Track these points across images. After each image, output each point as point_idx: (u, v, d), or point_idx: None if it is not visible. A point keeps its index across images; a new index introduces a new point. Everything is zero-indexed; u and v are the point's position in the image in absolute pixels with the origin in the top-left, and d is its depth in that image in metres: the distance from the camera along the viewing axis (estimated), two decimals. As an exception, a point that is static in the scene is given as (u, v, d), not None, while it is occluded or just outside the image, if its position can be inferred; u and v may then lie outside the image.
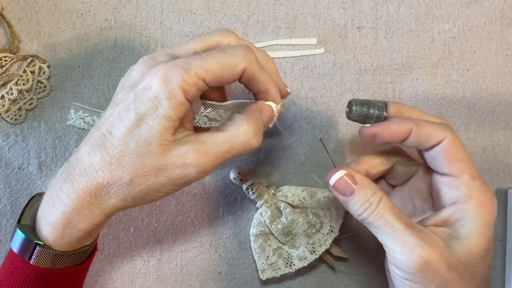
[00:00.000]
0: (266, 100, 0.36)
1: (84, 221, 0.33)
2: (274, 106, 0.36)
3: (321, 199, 0.44)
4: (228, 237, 0.47)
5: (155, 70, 0.32)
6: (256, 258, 0.45)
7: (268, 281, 0.47)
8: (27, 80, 0.45)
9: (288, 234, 0.45)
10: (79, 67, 0.46)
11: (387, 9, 0.47)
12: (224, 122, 0.35)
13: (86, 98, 0.46)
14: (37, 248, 0.34)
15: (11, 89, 0.44)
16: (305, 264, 0.45)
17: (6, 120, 0.45)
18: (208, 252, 0.47)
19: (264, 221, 0.45)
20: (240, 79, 0.34)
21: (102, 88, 0.46)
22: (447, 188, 0.36)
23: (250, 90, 0.36)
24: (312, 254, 0.45)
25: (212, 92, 0.38)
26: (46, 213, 0.34)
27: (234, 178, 0.45)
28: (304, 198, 0.44)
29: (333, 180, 0.36)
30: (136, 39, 0.46)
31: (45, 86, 0.45)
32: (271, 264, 0.45)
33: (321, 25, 0.47)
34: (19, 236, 0.35)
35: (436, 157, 0.36)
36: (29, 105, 0.45)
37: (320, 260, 0.46)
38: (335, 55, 0.47)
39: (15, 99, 0.45)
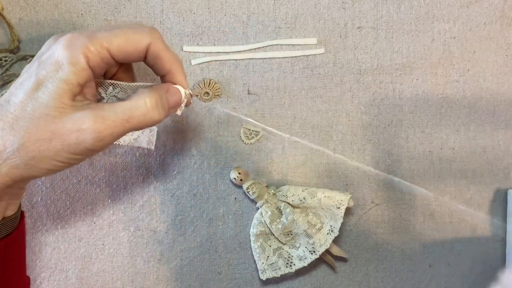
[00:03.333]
0: (174, 84, 0.36)
1: None
2: (182, 91, 0.36)
3: (321, 198, 0.44)
4: (228, 237, 0.47)
5: (61, 39, 0.32)
6: (256, 258, 0.45)
7: (268, 281, 0.47)
8: (27, 80, 0.45)
9: (288, 234, 0.45)
10: (79, 67, 0.46)
11: (387, 9, 0.47)
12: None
13: (86, 98, 0.46)
14: None
15: (11, 89, 0.44)
16: (305, 264, 0.45)
17: (6, 120, 0.45)
18: (208, 252, 0.47)
19: (264, 221, 0.45)
20: (146, 59, 0.34)
21: (102, 88, 0.46)
22: None
23: (157, 73, 0.36)
24: (312, 254, 0.45)
25: (121, 73, 0.38)
26: None
27: (234, 178, 0.45)
28: (304, 198, 0.44)
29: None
30: (136, 39, 0.46)
31: (45, 86, 0.45)
32: (271, 264, 0.45)
33: (321, 25, 0.47)
34: None
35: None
36: (29, 105, 0.45)
37: (320, 260, 0.46)
38: (335, 55, 0.47)
39: (15, 99, 0.45)
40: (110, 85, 0.36)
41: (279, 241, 0.45)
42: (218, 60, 0.46)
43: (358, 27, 0.47)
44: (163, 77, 0.36)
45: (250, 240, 0.46)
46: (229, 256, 0.47)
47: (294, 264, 0.45)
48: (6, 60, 0.44)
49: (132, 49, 0.33)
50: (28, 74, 0.32)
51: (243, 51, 0.47)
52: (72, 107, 0.31)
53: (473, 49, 0.48)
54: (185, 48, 0.46)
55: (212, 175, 0.47)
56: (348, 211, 0.47)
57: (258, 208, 0.46)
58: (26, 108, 0.31)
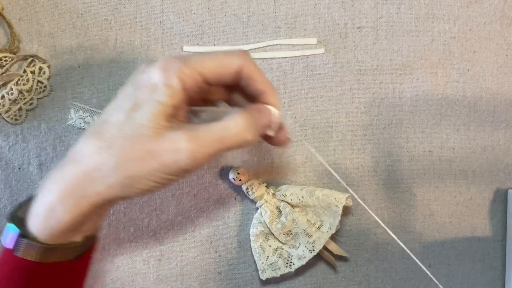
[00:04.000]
0: (265, 103, 0.35)
1: (68, 211, 0.32)
2: (274, 111, 0.35)
3: (320, 197, 0.44)
4: (228, 237, 0.47)
5: (155, 64, 0.33)
6: (256, 258, 0.46)
7: (268, 281, 0.47)
8: (27, 80, 0.45)
9: (288, 234, 0.45)
10: (79, 67, 0.46)
11: (387, 9, 0.47)
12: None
13: (86, 98, 0.46)
14: (22, 239, 0.33)
15: (11, 89, 0.44)
16: (304, 263, 0.45)
17: (6, 120, 0.45)
18: (208, 252, 0.47)
19: (264, 221, 0.45)
20: (238, 81, 0.34)
21: (102, 88, 0.46)
22: None
23: (249, 94, 0.36)
24: (311, 252, 0.45)
25: (212, 95, 0.38)
26: (36, 203, 0.34)
27: (233, 178, 0.45)
28: (303, 197, 0.44)
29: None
30: (136, 39, 0.46)
31: (45, 86, 0.45)
32: (271, 264, 0.45)
33: (321, 25, 0.47)
34: (7, 227, 0.34)
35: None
36: (29, 105, 0.45)
37: (321, 259, 0.46)
38: (335, 55, 0.47)
39: (15, 99, 0.45)
40: (201, 111, 0.36)
41: (279, 241, 0.45)
42: (218, 60, 0.46)
43: (358, 27, 0.47)
44: (255, 98, 0.36)
45: (250, 240, 0.46)
46: (229, 256, 0.47)
47: (293, 264, 0.45)
48: (6, 60, 0.44)
49: (224, 71, 0.33)
50: (125, 97, 0.33)
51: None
52: (167, 127, 0.32)
53: (473, 49, 0.48)
54: (185, 48, 0.46)
55: (212, 175, 0.47)
56: (348, 211, 0.47)
57: (257, 208, 0.46)
58: (124, 128, 0.32)
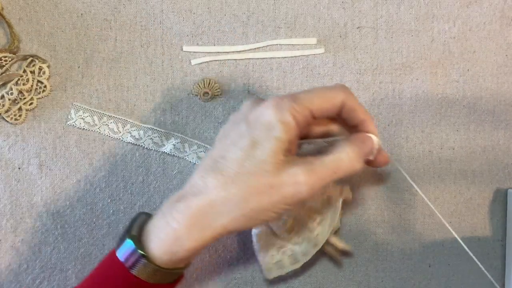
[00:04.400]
0: (366, 132, 0.38)
1: (192, 240, 0.35)
2: (374, 138, 0.38)
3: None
4: (228, 237, 0.47)
5: (266, 103, 0.35)
6: (260, 259, 0.45)
7: (268, 281, 0.47)
8: (27, 80, 0.45)
9: (290, 231, 0.45)
10: (79, 67, 0.46)
11: (387, 9, 0.47)
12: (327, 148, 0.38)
13: (86, 98, 0.46)
14: (142, 260, 0.35)
15: (11, 89, 0.44)
16: (308, 258, 0.45)
17: (6, 120, 0.45)
18: (208, 252, 0.47)
19: None
20: (341, 113, 0.37)
21: (102, 88, 0.46)
22: None
23: (349, 124, 0.39)
24: (314, 247, 0.44)
25: (315, 126, 0.40)
26: (157, 228, 0.36)
27: None
28: None
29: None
30: (136, 39, 0.46)
31: (45, 86, 0.45)
32: (276, 262, 0.45)
33: (321, 25, 0.47)
34: (128, 245, 0.36)
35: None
36: (29, 105, 0.45)
37: (322, 257, 0.46)
38: (335, 55, 0.47)
39: (15, 99, 0.45)
40: (307, 143, 0.40)
41: (282, 239, 0.45)
42: (218, 60, 0.46)
43: (358, 27, 0.47)
44: (355, 127, 0.39)
45: (250, 240, 0.46)
46: (229, 256, 0.47)
47: (298, 260, 0.45)
48: (6, 60, 0.44)
49: (329, 106, 0.36)
50: (240, 134, 0.35)
51: (243, 51, 0.47)
52: (285, 162, 0.34)
53: (473, 49, 0.48)
54: (185, 48, 0.46)
55: (212, 175, 0.47)
56: (348, 209, 0.47)
57: None
58: (245, 164, 0.34)
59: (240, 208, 0.34)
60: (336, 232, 0.46)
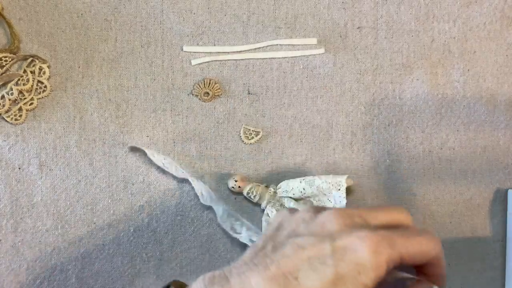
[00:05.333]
0: (433, 281, 0.35)
1: None
2: None
3: (320, 185, 0.44)
4: (228, 237, 0.47)
5: (362, 234, 0.31)
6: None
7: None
8: (27, 80, 0.45)
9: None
10: (79, 67, 0.46)
11: (387, 9, 0.47)
12: None
13: (86, 98, 0.46)
14: None
15: (11, 89, 0.44)
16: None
17: (6, 120, 0.45)
18: (208, 252, 0.47)
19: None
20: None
21: (102, 88, 0.46)
22: None
23: (422, 271, 0.35)
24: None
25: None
26: None
27: (233, 187, 0.45)
28: (304, 189, 0.44)
29: None
30: (136, 39, 0.46)
31: (45, 86, 0.45)
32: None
33: (321, 25, 0.47)
34: None
35: None
36: (29, 105, 0.45)
37: None
38: (335, 55, 0.47)
39: (15, 99, 0.45)
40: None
41: None
42: (218, 60, 0.46)
43: (358, 27, 0.47)
44: (421, 268, 0.35)
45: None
46: (229, 256, 0.47)
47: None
48: (6, 60, 0.44)
49: (422, 258, 0.33)
50: (320, 257, 0.31)
51: (243, 51, 0.47)
52: None
53: (473, 49, 0.48)
54: (185, 48, 0.46)
55: (212, 175, 0.47)
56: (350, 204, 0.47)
57: (263, 210, 0.46)
58: None
59: None
60: None
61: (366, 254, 0.30)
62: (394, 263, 0.31)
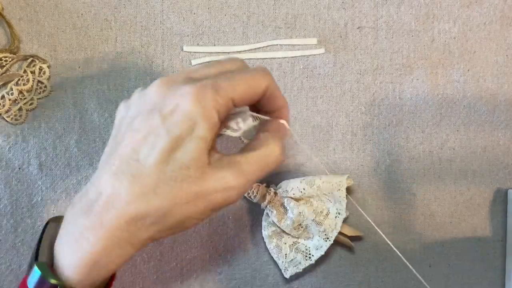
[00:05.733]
0: (281, 118, 0.36)
1: (115, 261, 0.31)
2: (286, 124, 0.36)
3: (320, 185, 0.44)
4: (228, 237, 0.47)
5: (183, 91, 0.30)
6: (275, 258, 0.46)
7: (268, 281, 0.47)
8: (28, 80, 0.45)
9: (298, 228, 0.45)
10: (79, 67, 0.46)
11: (387, 9, 0.47)
12: (247, 137, 0.36)
13: (86, 98, 0.46)
14: None
15: (11, 89, 0.44)
16: (323, 253, 0.45)
17: (6, 120, 0.45)
18: (208, 252, 0.47)
19: (273, 220, 0.45)
20: (261, 98, 0.34)
21: (102, 88, 0.46)
22: None
23: (266, 109, 0.36)
24: (326, 241, 0.45)
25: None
26: (68, 252, 0.31)
27: None
28: (304, 189, 0.45)
29: None
30: (136, 39, 0.46)
31: (45, 86, 0.45)
32: (291, 260, 0.45)
33: (321, 25, 0.47)
34: (37, 274, 0.31)
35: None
36: (29, 105, 0.45)
37: (338, 243, 0.46)
38: (335, 55, 0.47)
39: (15, 99, 0.45)
40: (250, 116, 0.35)
41: (293, 236, 0.45)
42: (218, 60, 0.46)
43: (358, 27, 0.47)
44: (271, 113, 0.36)
45: (249, 241, 0.46)
46: (229, 256, 0.47)
47: (312, 255, 0.45)
48: (6, 60, 0.44)
49: (253, 94, 0.33)
50: (154, 130, 0.30)
51: (243, 51, 0.47)
52: (210, 165, 0.31)
53: (473, 49, 0.48)
54: (185, 48, 0.46)
55: (212, 175, 0.47)
56: (350, 203, 0.47)
57: (263, 210, 0.46)
58: (166, 170, 0.30)
59: (166, 221, 0.30)
60: (345, 220, 0.46)
61: (191, 106, 0.30)
62: (227, 107, 0.31)
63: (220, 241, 0.47)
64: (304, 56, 0.47)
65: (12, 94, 0.44)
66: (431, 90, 0.48)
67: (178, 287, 0.47)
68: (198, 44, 0.46)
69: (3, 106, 0.44)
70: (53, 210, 0.46)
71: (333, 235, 0.45)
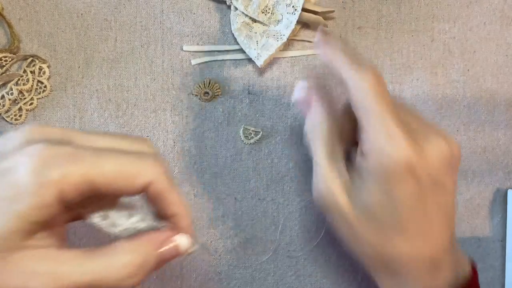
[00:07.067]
0: (175, 229, 0.29)
1: None
2: (184, 241, 0.29)
3: None
4: (228, 237, 0.47)
5: (32, 149, 0.24)
6: (247, 51, 0.45)
7: (268, 281, 0.47)
8: (27, 80, 0.45)
9: (266, 11, 0.44)
10: (79, 67, 0.46)
11: (387, 9, 0.47)
12: (115, 232, 0.28)
13: (86, 98, 0.46)
14: None
15: (11, 89, 0.44)
16: (293, 27, 0.44)
17: (6, 120, 0.45)
18: (208, 252, 0.47)
19: (239, 10, 0.44)
20: (146, 194, 0.27)
21: (102, 88, 0.46)
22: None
23: (157, 212, 0.29)
24: (294, 13, 0.43)
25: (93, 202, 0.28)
26: None
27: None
28: None
29: (294, 96, 0.36)
30: (136, 39, 0.46)
31: (45, 86, 0.45)
32: (263, 46, 0.45)
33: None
34: None
35: None
36: (29, 105, 0.45)
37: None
38: (335, 55, 0.47)
39: (15, 99, 0.45)
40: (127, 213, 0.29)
41: (263, 24, 0.45)
42: (218, 60, 0.47)
43: (358, 27, 0.47)
44: (165, 217, 0.29)
45: (251, 239, 0.46)
46: (229, 256, 0.47)
47: (283, 35, 0.44)
48: (6, 60, 0.44)
49: (124, 185, 0.26)
50: None
51: (244, 51, 0.47)
52: (23, 250, 0.24)
53: (473, 49, 0.48)
54: (185, 48, 0.46)
55: (212, 175, 0.47)
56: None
57: (229, 7, 0.45)
58: None
59: None
60: None
61: (26, 172, 0.23)
62: (78, 190, 0.24)
63: (220, 241, 0.47)
64: (304, 56, 0.47)
65: (12, 94, 0.44)
66: (431, 90, 0.48)
67: (178, 287, 0.47)
68: (198, 44, 0.46)
69: (3, 106, 0.44)
70: (53, 210, 0.46)
71: (299, 4, 0.44)
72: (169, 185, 0.27)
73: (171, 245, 0.28)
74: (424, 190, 0.31)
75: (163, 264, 0.28)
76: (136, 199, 0.28)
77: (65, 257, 0.25)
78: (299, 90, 0.36)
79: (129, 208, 0.28)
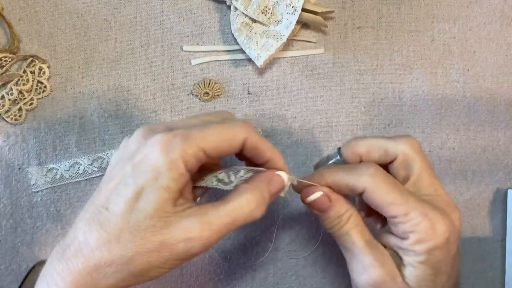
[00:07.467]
0: (275, 168, 0.35)
1: None
2: (284, 175, 0.35)
3: None
4: (228, 237, 0.47)
5: (154, 140, 0.31)
6: (247, 51, 0.45)
7: (268, 281, 0.47)
8: (27, 81, 0.45)
9: (266, 11, 0.44)
10: (79, 67, 0.46)
11: (387, 9, 0.47)
12: (230, 187, 0.34)
13: (86, 98, 0.46)
14: None
15: (11, 89, 0.44)
16: (293, 27, 0.44)
17: (6, 121, 0.45)
18: (208, 252, 0.47)
19: (239, 11, 0.44)
20: (243, 152, 0.34)
21: (102, 88, 0.46)
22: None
23: (255, 161, 0.35)
24: (294, 14, 0.44)
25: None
26: None
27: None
28: None
29: (310, 198, 0.37)
30: (136, 39, 0.46)
31: (45, 87, 0.45)
32: (262, 46, 0.45)
33: (321, 25, 0.47)
34: None
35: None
36: (29, 105, 0.45)
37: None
38: (335, 55, 0.47)
39: (15, 100, 0.45)
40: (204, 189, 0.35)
41: (262, 24, 0.45)
42: (218, 60, 0.47)
43: (358, 27, 0.47)
44: (262, 165, 0.35)
45: (251, 239, 0.46)
46: (229, 256, 0.47)
47: (283, 35, 0.44)
48: (6, 60, 0.44)
49: (227, 146, 0.33)
50: (124, 180, 0.31)
51: (243, 51, 0.47)
52: (175, 214, 0.31)
53: (473, 49, 0.48)
54: (185, 48, 0.46)
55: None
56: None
57: (229, 7, 0.45)
58: (130, 219, 0.30)
59: (129, 269, 0.31)
60: None
61: (157, 155, 0.30)
62: (196, 158, 0.31)
63: (219, 242, 0.47)
64: (304, 56, 0.47)
65: (12, 94, 0.44)
66: (430, 90, 0.48)
67: (178, 287, 0.47)
68: (198, 44, 0.46)
69: (3, 106, 0.44)
70: (53, 210, 0.46)
71: (299, 5, 0.44)
72: (259, 137, 0.34)
73: (277, 178, 0.35)
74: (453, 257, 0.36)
75: (275, 196, 0.35)
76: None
77: (204, 210, 0.32)
78: (316, 195, 0.38)
79: (231, 168, 0.35)
